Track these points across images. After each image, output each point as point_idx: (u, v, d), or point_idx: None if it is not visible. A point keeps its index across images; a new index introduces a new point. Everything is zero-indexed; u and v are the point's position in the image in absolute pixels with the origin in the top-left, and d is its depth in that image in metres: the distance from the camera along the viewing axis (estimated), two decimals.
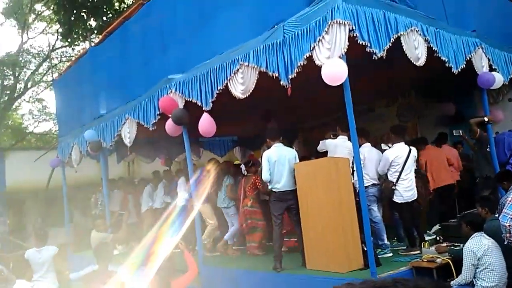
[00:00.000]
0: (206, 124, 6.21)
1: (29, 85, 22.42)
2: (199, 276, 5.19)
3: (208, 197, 7.61)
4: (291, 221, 6.05)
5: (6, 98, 21.24)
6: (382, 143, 6.87)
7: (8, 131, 23.02)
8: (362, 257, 4.94)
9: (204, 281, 6.20)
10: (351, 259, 4.96)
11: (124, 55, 8.26)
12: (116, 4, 17.23)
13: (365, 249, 4.78)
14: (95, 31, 15.78)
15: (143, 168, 14.33)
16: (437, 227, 6.64)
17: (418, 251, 5.60)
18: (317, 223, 5.24)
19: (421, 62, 5.24)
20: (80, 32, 16.50)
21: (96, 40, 11.30)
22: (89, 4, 15.94)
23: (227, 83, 5.68)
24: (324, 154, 6.28)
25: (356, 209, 5.05)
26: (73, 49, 20.77)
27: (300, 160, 6.04)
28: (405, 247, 5.97)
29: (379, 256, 5.36)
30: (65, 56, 22.27)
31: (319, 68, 4.56)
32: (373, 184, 6.07)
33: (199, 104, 6.13)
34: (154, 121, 7.03)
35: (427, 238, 6.02)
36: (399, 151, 5.91)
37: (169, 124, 6.60)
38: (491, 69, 6.52)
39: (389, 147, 6.20)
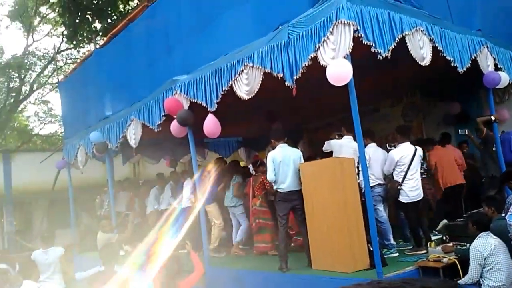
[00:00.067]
0: (211, 125, 6.23)
1: (34, 87, 22.58)
2: (204, 276, 5.19)
3: (216, 197, 7.63)
4: (296, 222, 6.05)
5: (12, 100, 21.39)
6: (387, 143, 6.86)
7: (14, 133, 23.19)
8: (367, 257, 4.93)
9: (209, 281, 6.21)
10: (356, 259, 4.95)
11: (129, 56, 8.29)
12: (121, 6, 17.31)
13: (371, 249, 4.77)
14: (100, 33, 15.84)
15: (149, 169, 14.38)
16: (444, 221, 6.59)
17: (424, 251, 5.59)
18: (323, 223, 5.24)
19: (426, 62, 5.23)
20: (85, 34, 16.57)
21: (101, 42, 11.33)
22: (94, 6, 16.02)
23: (231, 84, 5.68)
24: (329, 154, 6.28)
25: (362, 209, 5.04)
26: (78, 51, 20.90)
27: (305, 160, 6.04)
28: (411, 247, 5.96)
29: (385, 256, 5.35)
30: (70, 58, 22.44)
31: (324, 69, 4.56)
32: (379, 184, 6.07)
33: (204, 105, 6.14)
34: (159, 122, 7.04)
35: (433, 238, 6.00)
36: (404, 151, 5.90)
37: (174, 125, 6.61)
38: (497, 68, 6.50)
39: (394, 147, 6.19)
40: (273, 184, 5.78)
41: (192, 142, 6.79)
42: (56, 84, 16.53)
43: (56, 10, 18.23)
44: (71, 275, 6.61)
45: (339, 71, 4.50)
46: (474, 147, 7.75)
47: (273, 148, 5.93)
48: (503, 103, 8.09)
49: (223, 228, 7.84)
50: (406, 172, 5.79)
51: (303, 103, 7.50)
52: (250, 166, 7.88)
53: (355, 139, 5.19)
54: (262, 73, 5.28)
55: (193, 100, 6.36)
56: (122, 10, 17.17)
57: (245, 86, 5.51)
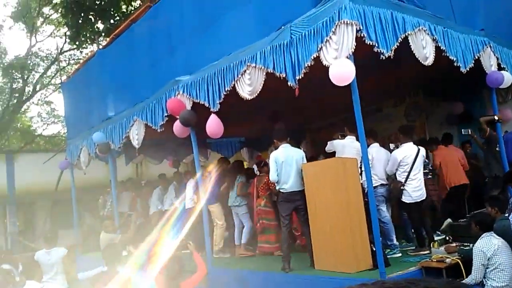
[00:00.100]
0: (213, 125, 6.23)
1: (37, 88, 22.65)
2: (207, 276, 5.19)
3: (219, 197, 7.63)
4: (299, 222, 6.04)
5: (15, 101, 21.46)
6: (390, 143, 6.85)
7: (17, 134, 23.27)
8: (370, 257, 4.92)
9: (212, 281, 6.21)
10: (359, 260, 4.94)
11: (132, 57, 8.31)
12: (124, 6, 17.35)
13: (374, 249, 4.76)
14: (103, 34, 15.89)
15: (151, 170, 14.39)
16: (448, 220, 6.57)
17: (427, 251, 5.58)
18: (325, 224, 5.23)
19: (429, 61, 5.22)
20: (88, 35, 16.62)
21: (104, 43, 11.37)
22: (96, 7, 16.06)
23: (234, 84, 5.68)
24: (332, 154, 6.27)
25: (364, 210, 5.03)
26: (81, 52, 20.96)
27: (308, 160, 6.03)
28: (414, 247, 5.94)
29: (388, 257, 5.34)
30: (73, 59, 22.48)
31: (326, 69, 4.55)
32: (382, 184, 6.05)
33: (207, 106, 6.15)
34: (162, 123, 7.05)
35: (436, 238, 5.99)
36: (407, 151, 5.89)
37: (177, 126, 6.62)
38: (500, 68, 6.48)
39: (397, 147, 6.18)
40: (275, 184, 5.78)
41: (194, 142, 6.79)
42: (59, 85, 16.57)
43: (59, 11, 18.28)
44: (73, 275, 6.63)
45: (342, 71, 4.49)
46: (477, 147, 7.73)
47: (276, 148, 5.93)
48: (506, 103, 8.07)
49: (226, 228, 7.84)
50: (409, 172, 5.78)
51: (306, 103, 7.49)
52: (255, 167, 7.87)
53: (357, 139, 5.18)
54: (264, 73, 5.28)
55: (196, 101, 6.37)
56: (124, 10, 17.21)
57: (248, 86, 5.52)
